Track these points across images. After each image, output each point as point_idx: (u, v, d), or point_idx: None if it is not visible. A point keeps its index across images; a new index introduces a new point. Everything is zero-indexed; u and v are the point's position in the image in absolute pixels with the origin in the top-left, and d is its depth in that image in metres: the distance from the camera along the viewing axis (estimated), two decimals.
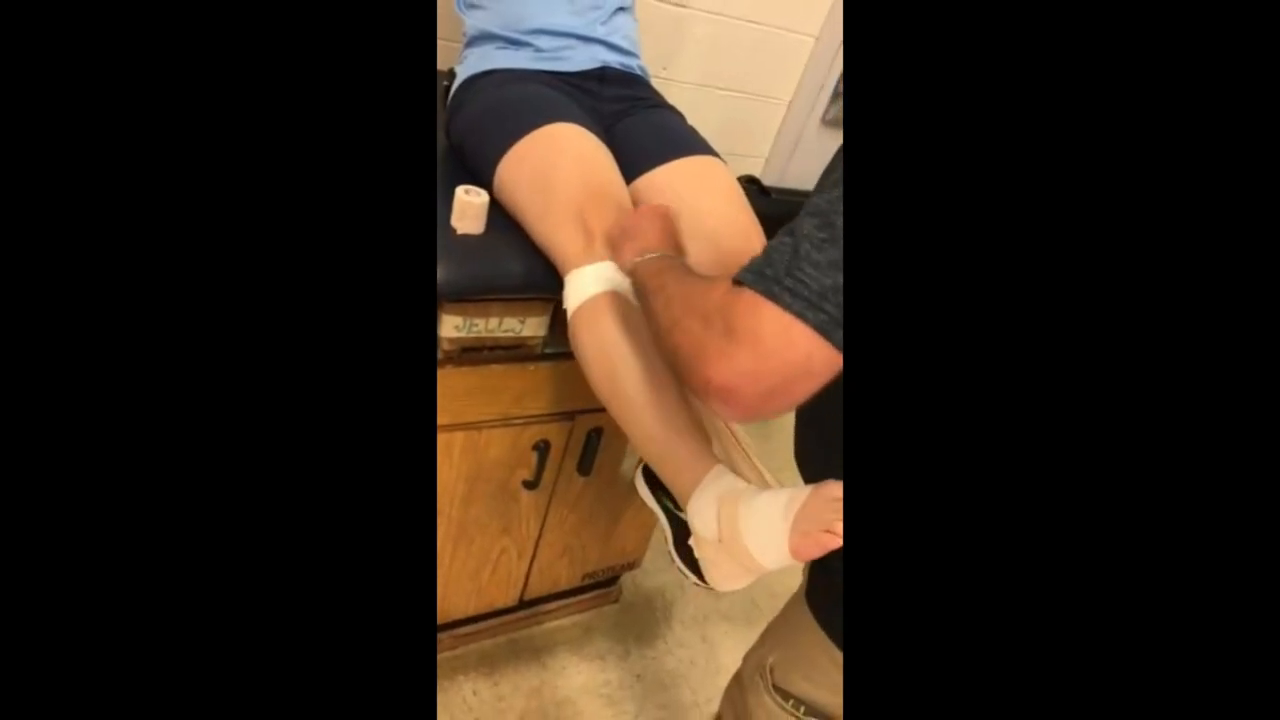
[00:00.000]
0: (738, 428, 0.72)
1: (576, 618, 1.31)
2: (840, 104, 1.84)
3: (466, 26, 1.02)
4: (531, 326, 0.91)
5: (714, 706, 1.23)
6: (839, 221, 0.44)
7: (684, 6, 1.46)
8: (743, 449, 0.71)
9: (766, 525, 0.62)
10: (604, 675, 1.24)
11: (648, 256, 0.69)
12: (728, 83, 1.66)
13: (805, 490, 0.61)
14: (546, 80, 0.94)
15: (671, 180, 0.91)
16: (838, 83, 1.81)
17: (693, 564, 1.06)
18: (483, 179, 0.88)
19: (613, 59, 1.01)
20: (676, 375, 0.56)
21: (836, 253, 0.43)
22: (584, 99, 0.96)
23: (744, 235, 0.88)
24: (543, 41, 0.97)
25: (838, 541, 0.56)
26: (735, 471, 0.71)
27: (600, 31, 1.00)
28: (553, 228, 0.81)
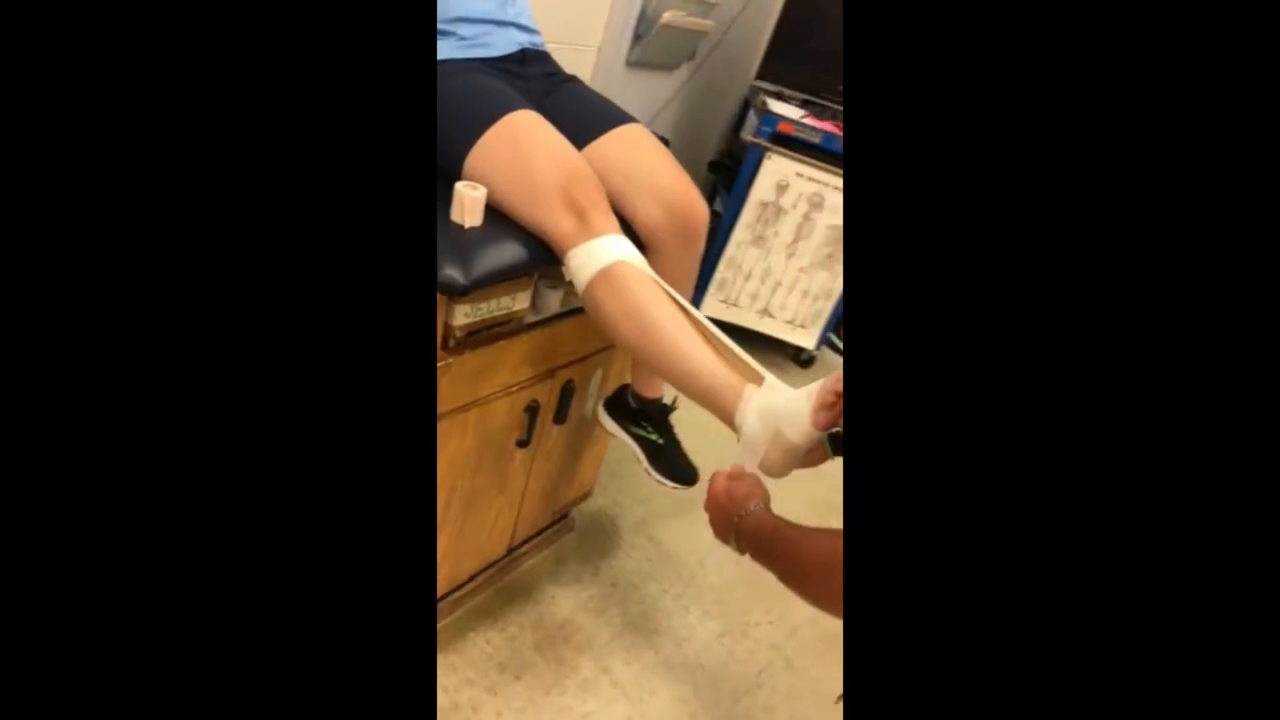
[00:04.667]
0: (738, 348, 0.90)
1: (545, 553, 1.44)
2: (641, 46, 1.99)
3: None
4: (520, 301, 1.00)
5: (676, 589, 1.46)
6: None
7: None
8: (743, 361, 0.89)
9: (796, 413, 0.81)
10: (585, 593, 1.40)
11: (756, 507, 0.83)
12: (546, 34, 1.73)
13: (819, 383, 0.81)
14: (481, 69, 0.99)
15: (616, 149, 1.03)
16: (636, 23, 1.95)
17: (669, 474, 1.24)
18: (450, 173, 0.93)
19: (525, 39, 1.08)
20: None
21: None
22: (515, 82, 1.02)
23: (686, 194, 1.03)
24: (464, 29, 1.00)
25: (838, 404, 0.78)
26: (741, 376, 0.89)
27: (510, 14, 1.06)
28: (545, 212, 0.90)
